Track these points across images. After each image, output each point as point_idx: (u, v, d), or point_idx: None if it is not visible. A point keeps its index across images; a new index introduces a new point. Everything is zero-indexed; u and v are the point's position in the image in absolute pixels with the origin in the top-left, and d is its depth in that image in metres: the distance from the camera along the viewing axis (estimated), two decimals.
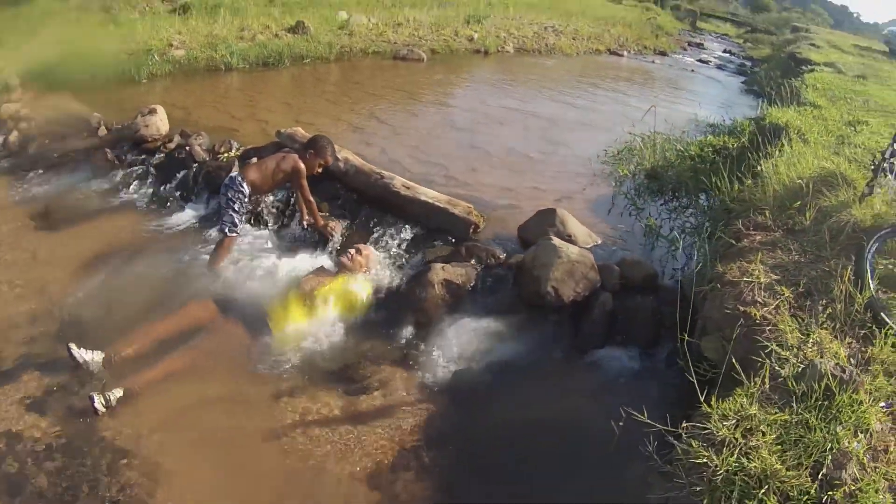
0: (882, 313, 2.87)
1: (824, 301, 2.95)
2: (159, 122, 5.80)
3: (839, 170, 3.91)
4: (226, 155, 5.50)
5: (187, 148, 5.52)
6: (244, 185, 4.20)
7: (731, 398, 2.47)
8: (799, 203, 3.67)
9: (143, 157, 5.61)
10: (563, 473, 2.90)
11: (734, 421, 2.35)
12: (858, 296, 2.91)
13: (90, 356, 3.26)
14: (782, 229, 3.60)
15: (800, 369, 2.55)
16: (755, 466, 2.13)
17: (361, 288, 3.91)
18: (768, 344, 2.70)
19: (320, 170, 4.42)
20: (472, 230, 4.38)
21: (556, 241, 3.87)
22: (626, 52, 15.22)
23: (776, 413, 2.35)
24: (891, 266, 3.22)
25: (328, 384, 3.35)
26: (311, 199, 4.42)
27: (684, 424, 2.38)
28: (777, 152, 4.63)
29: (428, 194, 4.64)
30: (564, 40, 13.91)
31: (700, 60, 16.71)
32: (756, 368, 2.61)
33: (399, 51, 10.41)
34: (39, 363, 3.35)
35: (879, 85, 9.16)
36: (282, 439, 2.99)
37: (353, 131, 6.44)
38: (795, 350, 2.69)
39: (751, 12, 28.65)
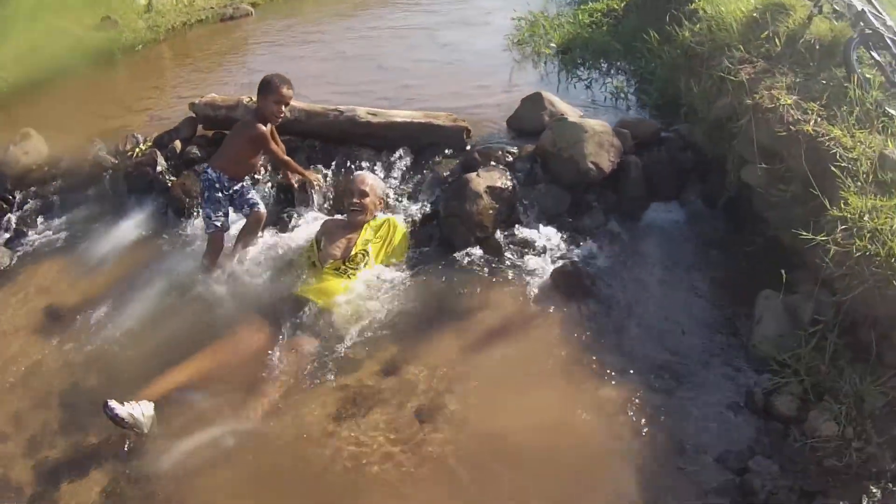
0: (886, 107, 3.41)
1: (844, 107, 3.41)
2: (40, 146, 4.88)
3: None
4: (136, 150, 4.74)
5: (90, 158, 4.67)
6: (210, 172, 3.74)
7: (844, 200, 2.84)
8: (766, 33, 4.11)
9: (34, 188, 4.70)
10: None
11: (867, 215, 2.73)
12: (867, 97, 3.42)
13: (138, 410, 2.65)
14: (761, 59, 4.03)
15: (870, 164, 3.01)
16: None
17: (392, 227, 3.68)
18: (836, 150, 3.10)
19: (285, 110, 3.86)
20: (466, 136, 4.29)
21: (574, 117, 3.96)
22: None
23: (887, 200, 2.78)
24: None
25: (435, 332, 3.14)
26: (285, 157, 3.98)
27: (840, 227, 2.70)
28: None
29: (400, 114, 4.42)
30: None
31: None
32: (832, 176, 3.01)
33: (224, 13, 9.71)
34: (63, 440, 2.74)
35: None
36: (441, 410, 2.70)
37: (250, 89, 5.73)
38: (855, 151, 3.11)
39: None
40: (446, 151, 4.25)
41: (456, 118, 4.35)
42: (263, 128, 3.73)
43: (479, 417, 2.64)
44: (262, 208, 3.89)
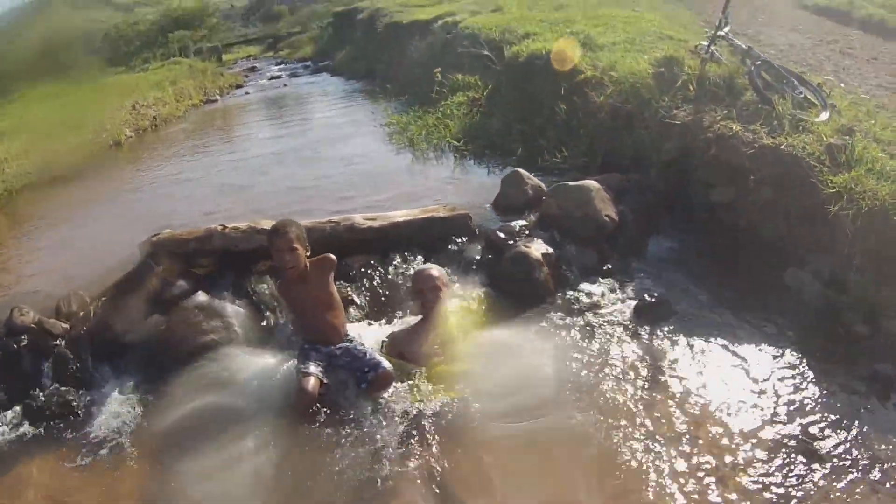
0: (798, 115, 4.62)
1: (774, 120, 4.57)
2: None
3: (669, 54, 5.73)
4: (92, 308, 4.43)
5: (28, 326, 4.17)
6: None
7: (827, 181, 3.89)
8: (680, 82, 5.31)
9: None
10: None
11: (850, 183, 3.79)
12: (786, 111, 4.62)
13: None
14: (685, 102, 5.18)
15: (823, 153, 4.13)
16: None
17: (470, 314, 3.99)
18: (794, 152, 4.19)
19: (289, 256, 3.58)
20: (469, 221, 4.76)
21: (571, 182, 4.67)
22: (217, 97, 16.30)
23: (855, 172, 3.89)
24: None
25: (586, 383, 3.44)
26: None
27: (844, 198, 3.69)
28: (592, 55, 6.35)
29: (398, 215, 4.77)
30: (165, 108, 13.84)
31: (273, 77, 18.86)
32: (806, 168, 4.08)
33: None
34: None
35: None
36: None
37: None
38: (809, 148, 4.21)
39: (263, 26, 31.85)
40: (459, 240, 4.65)
41: (454, 207, 4.84)
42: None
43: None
44: (387, 365, 3.56)
